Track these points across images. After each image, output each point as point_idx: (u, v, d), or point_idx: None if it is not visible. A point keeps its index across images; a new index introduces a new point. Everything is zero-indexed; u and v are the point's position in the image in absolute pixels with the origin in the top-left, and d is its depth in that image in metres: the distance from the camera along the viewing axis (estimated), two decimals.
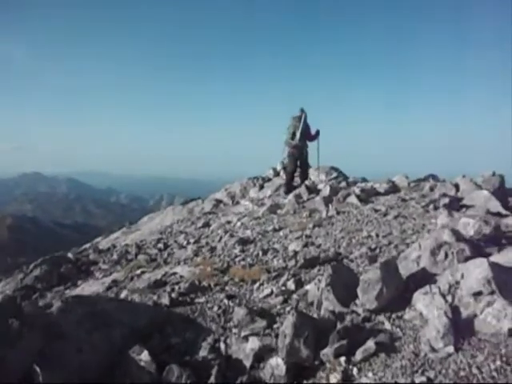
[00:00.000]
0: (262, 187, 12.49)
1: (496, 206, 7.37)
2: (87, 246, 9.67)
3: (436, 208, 7.31)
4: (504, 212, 7.16)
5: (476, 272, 2.76)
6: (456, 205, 7.65)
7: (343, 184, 10.28)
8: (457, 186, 8.82)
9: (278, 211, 8.53)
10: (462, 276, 2.89)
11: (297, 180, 12.41)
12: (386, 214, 7.06)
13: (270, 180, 13.57)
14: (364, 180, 11.32)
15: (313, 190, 9.35)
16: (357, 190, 8.82)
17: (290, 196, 9.27)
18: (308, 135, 10.54)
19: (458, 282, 2.87)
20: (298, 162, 10.63)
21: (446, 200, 7.64)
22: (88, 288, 5.61)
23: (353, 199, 8.33)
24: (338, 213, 7.51)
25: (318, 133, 10.83)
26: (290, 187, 10.39)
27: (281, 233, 6.62)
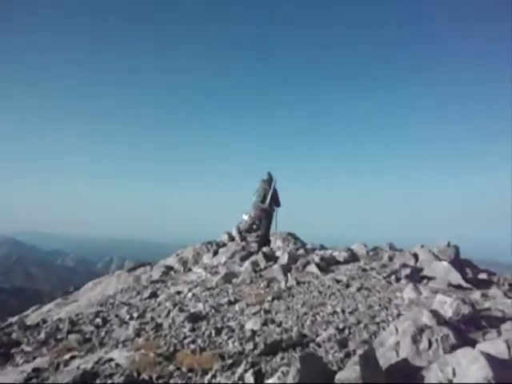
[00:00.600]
0: (216, 253, 11.83)
1: (457, 277, 7.17)
2: (13, 319, 8.38)
3: (398, 279, 7.01)
4: (465, 285, 6.97)
5: (472, 370, 2.31)
6: (417, 276, 7.41)
7: (301, 251, 9.89)
8: (415, 256, 8.67)
9: (234, 280, 7.90)
10: (454, 372, 2.43)
11: (253, 246, 11.93)
12: (348, 286, 6.65)
13: (224, 245, 12.95)
14: (322, 247, 11.02)
15: (270, 257, 8.85)
16: (316, 258, 8.43)
17: (247, 263, 8.71)
18: (276, 200, 10.56)
19: (451, 381, 2.39)
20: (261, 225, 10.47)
21: (408, 271, 7.39)
22: (3, 379, 4.59)
23: (312, 268, 7.89)
24: (298, 283, 7.01)
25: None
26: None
27: (236, 306, 5.96)
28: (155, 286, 8.41)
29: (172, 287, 7.96)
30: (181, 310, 5.85)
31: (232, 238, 13.63)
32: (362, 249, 9.69)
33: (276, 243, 11.69)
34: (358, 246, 10.32)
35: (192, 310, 5.74)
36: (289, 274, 7.78)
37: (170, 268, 10.16)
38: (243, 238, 13.40)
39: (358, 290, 6.33)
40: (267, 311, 5.61)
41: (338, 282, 6.92)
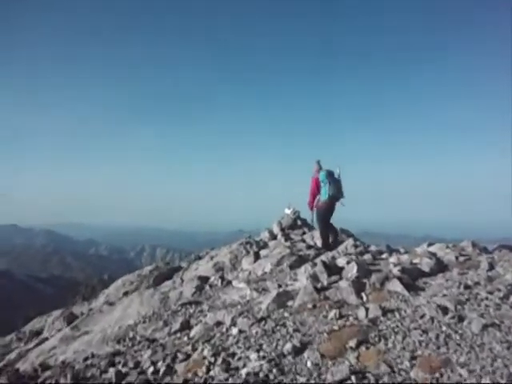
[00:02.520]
0: (257, 256, 9.94)
1: None
2: (14, 354, 6.82)
3: None
4: None
5: None
6: None
7: (368, 256, 7.83)
8: None
9: (290, 303, 5.97)
10: None
11: (301, 247, 9.97)
12: (462, 318, 4.60)
13: (265, 245, 11.05)
14: (390, 249, 8.90)
15: (332, 269, 6.84)
16: (395, 270, 6.38)
17: (302, 276, 6.75)
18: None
19: None
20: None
21: None
22: None
23: (395, 285, 5.85)
24: (384, 312, 5.00)
25: None
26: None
27: (308, 361, 4.03)
28: (187, 310, 6.59)
29: (209, 313, 6.09)
30: (226, 369, 3.95)
31: (274, 236, 11.71)
32: (449, 253, 7.54)
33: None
34: (441, 247, 8.18)
35: (243, 372, 3.82)
36: (363, 295, 5.79)
37: (204, 280, 8.34)
38: (286, 236, 11.46)
39: (484, 328, 4.28)
40: (359, 374, 3.64)
41: (442, 310, 4.87)
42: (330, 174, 9.36)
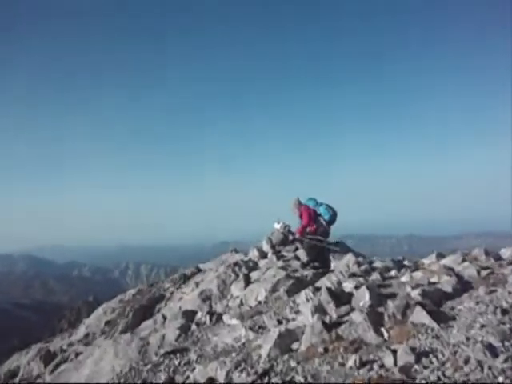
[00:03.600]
0: (247, 279, 8.85)
1: None
2: None
3: None
4: None
5: None
6: None
7: (376, 276, 6.84)
8: None
9: (295, 346, 4.92)
10: None
11: (295, 266, 8.97)
12: None
13: (255, 266, 9.96)
14: (396, 263, 7.94)
15: (340, 296, 5.82)
16: (415, 294, 5.41)
17: (306, 310, 5.68)
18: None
19: None
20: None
21: None
22: None
23: (421, 316, 4.86)
24: (417, 357, 3.99)
25: None
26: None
27: None
28: (171, 362, 5.40)
29: (198, 366, 4.94)
30: None
31: (264, 255, 10.64)
32: (467, 266, 6.62)
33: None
34: (454, 260, 7.26)
35: None
36: (383, 331, 4.78)
37: (190, 316, 7.15)
38: (278, 253, 10.41)
39: None
40: None
41: (489, 350, 3.89)
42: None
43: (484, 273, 6.36)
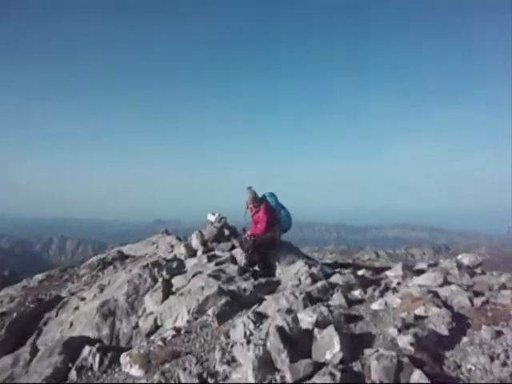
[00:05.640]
0: (167, 289, 6.75)
1: None
2: None
3: None
4: None
5: None
6: None
7: (339, 300, 5.03)
8: None
9: None
10: None
11: (232, 272, 7.05)
12: None
13: (181, 267, 7.85)
14: (352, 272, 6.22)
15: (294, 340, 3.91)
16: (405, 343, 3.66)
17: (249, 369, 3.68)
18: None
19: None
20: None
21: None
22: None
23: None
24: None
25: None
26: None
27: None
28: None
29: None
30: None
31: (192, 252, 8.53)
32: (456, 292, 5.02)
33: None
34: (429, 277, 5.67)
35: None
36: None
37: (73, 350, 4.81)
38: (210, 252, 8.38)
39: None
40: None
41: None
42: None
43: (478, 302, 4.81)
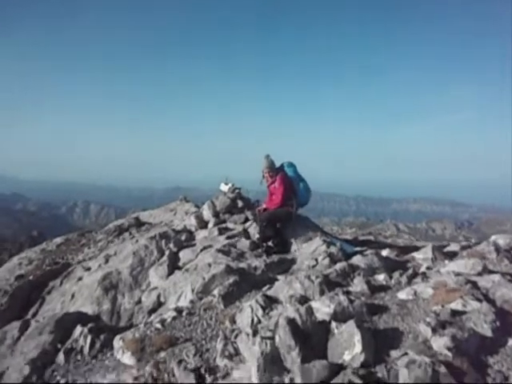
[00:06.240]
0: (174, 263, 6.28)
1: None
2: None
3: None
4: None
5: None
6: None
7: (361, 286, 4.43)
8: None
9: None
10: None
11: (244, 247, 6.55)
12: None
13: (190, 239, 7.37)
14: (380, 257, 5.58)
15: (307, 333, 3.36)
16: (441, 346, 3.06)
17: (254, 367, 3.17)
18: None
19: None
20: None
21: None
22: None
23: None
24: None
25: None
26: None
27: None
28: None
29: None
30: None
31: (203, 224, 8.02)
32: (499, 282, 4.33)
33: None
34: (467, 264, 4.99)
35: None
36: None
37: (65, 328, 4.37)
38: (222, 224, 7.85)
39: None
40: None
41: None
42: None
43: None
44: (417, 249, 8.92)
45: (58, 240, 15.99)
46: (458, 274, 4.62)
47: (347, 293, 4.28)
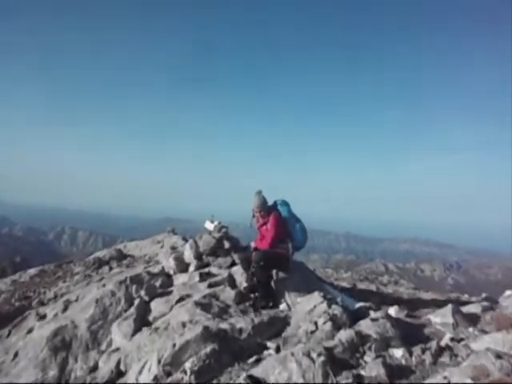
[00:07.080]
0: (142, 317, 5.20)
1: None
2: None
3: None
4: None
5: None
6: None
7: (377, 371, 3.41)
8: None
9: None
10: None
11: (228, 300, 5.49)
12: None
13: (167, 285, 6.32)
14: (389, 321, 4.57)
15: None
16: None
17: None
18: None
19: None
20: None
21: None
22: None
23: None
24: None
25: None
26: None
27: None
28: None
29: None
30: None
31: (184, 267, 6.97)
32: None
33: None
34: (504, 338, 4.00)
35: None
36: None
37: None
38: (204, 268, 6.81)
39: None
40: None
41: None
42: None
43: None
44: (424, 303, 7.90)
45: (32, 271, 14.76)
46: (498, 356, 3.61)
47: (358, 377, 3.26)
